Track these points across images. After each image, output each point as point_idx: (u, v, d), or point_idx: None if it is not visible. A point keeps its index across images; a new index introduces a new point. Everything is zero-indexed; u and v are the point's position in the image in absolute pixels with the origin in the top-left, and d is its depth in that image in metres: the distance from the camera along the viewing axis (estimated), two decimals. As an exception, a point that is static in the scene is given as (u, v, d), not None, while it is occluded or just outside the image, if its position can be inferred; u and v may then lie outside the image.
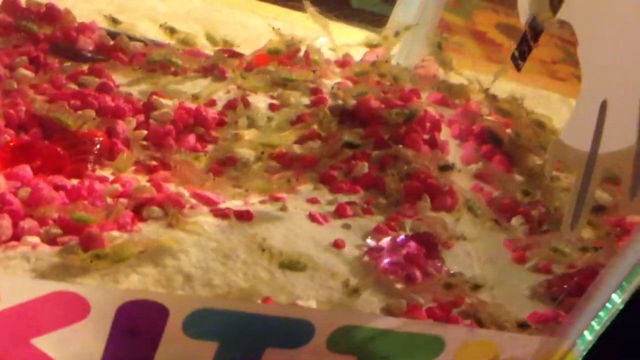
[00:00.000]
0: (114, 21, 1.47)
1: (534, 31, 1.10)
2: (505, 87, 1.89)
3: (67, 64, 1.36)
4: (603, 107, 0.94)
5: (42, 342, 0.77)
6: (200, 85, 1.39)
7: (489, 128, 1.34)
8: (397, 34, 1.49)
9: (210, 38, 1.52)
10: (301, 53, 1.50)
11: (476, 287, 1.04)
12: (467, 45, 2.13)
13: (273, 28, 1.49)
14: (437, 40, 1.47)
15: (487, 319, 0.98)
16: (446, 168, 1.22)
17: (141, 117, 1.27)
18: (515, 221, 1.22)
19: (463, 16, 2.35)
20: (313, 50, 1.49)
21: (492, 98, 1.43)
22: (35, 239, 0.93)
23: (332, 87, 1.43)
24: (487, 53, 2.19)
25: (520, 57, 1.13)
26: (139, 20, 1.66)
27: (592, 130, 0.96)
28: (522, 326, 1.00)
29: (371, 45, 1.49)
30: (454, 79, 1.53)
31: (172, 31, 1.44)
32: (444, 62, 1.44)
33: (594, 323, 0.94)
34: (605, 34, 0.97)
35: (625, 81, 0.93)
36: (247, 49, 1.53)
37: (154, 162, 1.19)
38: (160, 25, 1.43)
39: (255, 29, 1.90)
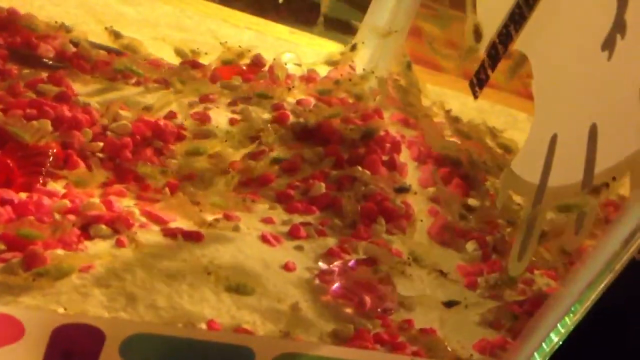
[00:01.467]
0: (116, 36, 1.45)
1: (492, 60, 1.11)
2: (472, 104, 1.90)
3: (27, 71, 1.35)
4: (553, 140, 0.95)
5: (-26, 365, 0.75)
6: (162, 98, 1.38)
7: (446, 151, 1.35)
8: (353, 48, 1.50)
9: (179, 52, 1.51)
10: (246, 61, 1.50)
11: None
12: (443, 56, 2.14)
13: (221, 43, 1.48)
14: (405, 61, 1.47)
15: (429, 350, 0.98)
16: (402, 190, 1.22)
17: (98, 129, 1.25)
18: (469, 246, 1.22)
19: (440, 26, 2.35)
20: (277, 66, 1.49)
21: (454, 120, 1.43)
22: (-24, 256, 0.91)
23: (295, 105, 1.42)
24: (462, 66, 2.20)
25: (478, 84, 1.14)
26: (105, 25, 1.65)
27: (542, 162, 0.97)
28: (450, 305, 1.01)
29: (332, 63, 1.49)
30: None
31: (116, 35, 1.43)
32: (412, 83, 1.44)
33: (544, 345, 0.94)
34: (558, 67, 0.98)
35: (577, 116, 0.93)
36: (213, 57, 1.53)
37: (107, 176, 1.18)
38: (105, 28, 1.41)
39: (226, 38, 1.89)
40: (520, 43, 1.08)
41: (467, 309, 1.04)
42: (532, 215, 0.95)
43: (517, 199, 1.29)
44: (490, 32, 1.14)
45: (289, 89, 1.41)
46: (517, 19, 1.08)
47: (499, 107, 2.06)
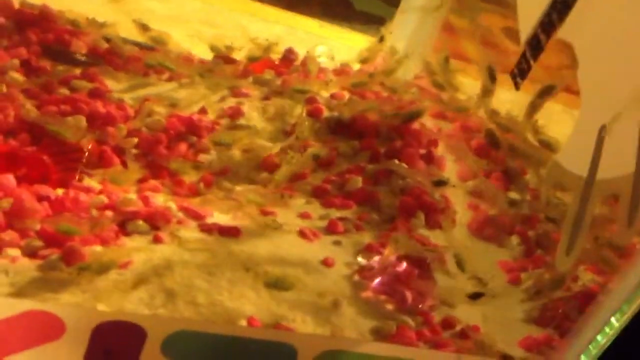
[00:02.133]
0: (144, 28, 1.44)
1: (534, 50, 1.08)
2: (507, 96, 1.87)
3: (60, 67, 1.34)
4: (602, 131, 0.92)
5: (15, 362, 0.74)
6: (195, 93, 1.37)
7: (488, 130, 1.31)
8: (381, 40, 1.47)
9: (214, 48, 1.50)
10: (275, 55, 1.48)
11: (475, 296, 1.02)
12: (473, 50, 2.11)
13: (251, 39, 1.46)
14: (443, 55, 1.44)
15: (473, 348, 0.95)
16: (441, 183, 1.19)
17: (132, 125, 1.25)
18: (512, 241, 1.19)
19: (468, 19, 2.32)
20: (310, 60, 1.46)
21: (493, 113, 1.40)
22: (15, 252, 0.90)
23: (329, 98, 1.40)
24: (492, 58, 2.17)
25: (519, 75, 1.11)
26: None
27: (590, 154, 0.94)
28: (475, 297, 0.98)
29: (363, 60, 1.47)
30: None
31: (144, 28, 1.42)
32: (449, 81, 1.41)
33: (591, 347, 0.92)
34: (607, 56, 0.95)
35: (626, 105, 0.90)
36: (243, 53, 1.51)
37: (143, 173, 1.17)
38: (133, 21, 1.40)
39: (256, 33, 1.87)
40: (564, 32, 1.04)
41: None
42: (581, 209, 0.92)
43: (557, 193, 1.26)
44: (531, 20, 1.11)
45: (327, 83, 1.38)
46: (560, 7, 1.05)
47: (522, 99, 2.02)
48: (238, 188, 1.18)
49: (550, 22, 1.06)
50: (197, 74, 1.40)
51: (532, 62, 1.09)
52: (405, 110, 1.27)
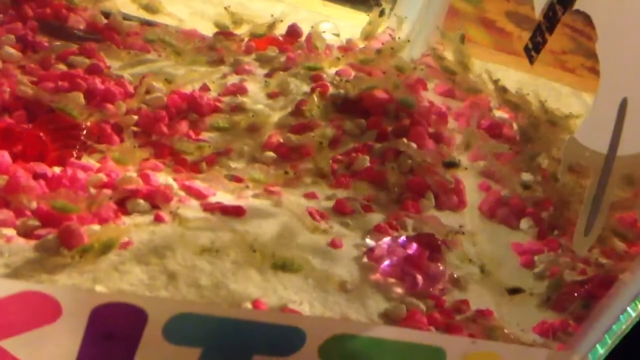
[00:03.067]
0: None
1: (550, 22, 1.03)
2: (514, 77, 1.83)
3: (57, 43, 1.30)
4: (623, 105, 0.88)
5: (11, 344, 0.71)
6: (196, 69, 1.33)
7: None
8: (381, 14, 1.43)
9: (218, 24, 1.45)
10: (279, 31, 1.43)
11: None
12: (477, 33, 2.07)
13: (225, 8, 1.41)
14: (459, 34, 1.39)
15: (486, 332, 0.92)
16: (451, 165, 1.15)
17: (132, 102, 1.20)
18: (524, 223, 1.15)
19: (472, 3, 2.28)
20: (316, 36, 1.42)
21: (502, 90, 1.36)
22: (10, 231, 0.87)
23: (335, 76, 1.36)
24: (496, 42, 2.13)
25: (534, 48, 1.06)
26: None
27: (610, 130, 0.90)
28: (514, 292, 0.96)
29: (365, 34, 1.42)
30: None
31: None
32: (462, 59, 1.36)
33: (606, 336, 0.88)
34: (628, 27, 0.90)
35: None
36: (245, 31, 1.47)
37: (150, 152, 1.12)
38: None
39: (258, 11, 1.83)
40: (581, 3, 1.00)
41: (532, 296, 0.97)
42: (600, 186, 0.88)
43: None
44: (547, -7, 1.06)
45: (338, 59, 1.34)
46: (577, -23, 1.00)
47: (542, 80, 1.98)
48: (241, 166, 1.14)
49: (567, -6, 1.02)
50: (198, 49, 1.36)
51: (547, 35, 1.05)
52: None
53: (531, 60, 1.07)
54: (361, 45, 1.49)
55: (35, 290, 0.69)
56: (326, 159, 1.16)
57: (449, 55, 1.44)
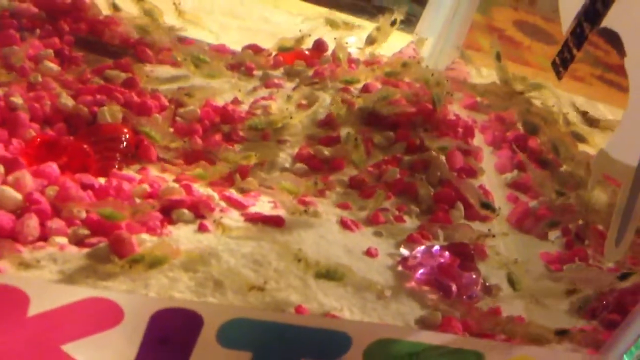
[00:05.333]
0: (115, 7, 1.43)
1: (577, 39, 1.07)
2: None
3: (92, 57, 1.34)
4: (654, 119, 0.91)
5: (72, 349, 0.74)
6: (227, 83, 1.36)
7: (523, 116, 1.30)
8: (393, 24, 1.46)
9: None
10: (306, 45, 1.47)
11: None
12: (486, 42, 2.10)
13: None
14: (494, 51, 1.41)
15: (521, 333, 0.95)
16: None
17: (167, 114, 1.24)
18: (553, 233, 1.18)
19: (481, 12, 2.32)
20: (339, 48, 1.45)
21: (527, 102, 1.39)
22: (62, 240, 0.90)
23: (362, 89, 1.39)
24: (505, 51, 2.18)
25: (562, 64, 1.10)
26: (164, 13, 1.64)
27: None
28: (561, 334, 0.97)
29: (370, 40, 1.45)
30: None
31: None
32: (503, 73, 1.39)
33: (633, 348, 0.91)
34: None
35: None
36: (270, 45, 1.51)
37: (180, 161, 1.16)
38: None
39: (279, 25, 1.87)
40: (610, 20, 1.03)
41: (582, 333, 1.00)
42: (631, 198, 0.91)
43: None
44: (573, 9, 1.10)
45: (374, 70, 1.37)
46: (605, -5, 1.04)
47: (557, 91, 2.01)
48: (274, 177, 1.17)
49: (594, 11, 1.05)
50: (228, 64, 1.39)
51: (575, 51, 1.08)
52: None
53: (559, 75, 1.10)
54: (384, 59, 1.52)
55: (100, 296, 0.72)
56: (360, 153, 1.18)
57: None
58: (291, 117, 1.27)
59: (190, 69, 1.35)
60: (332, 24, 1.52)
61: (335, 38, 1.50)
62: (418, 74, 1.39)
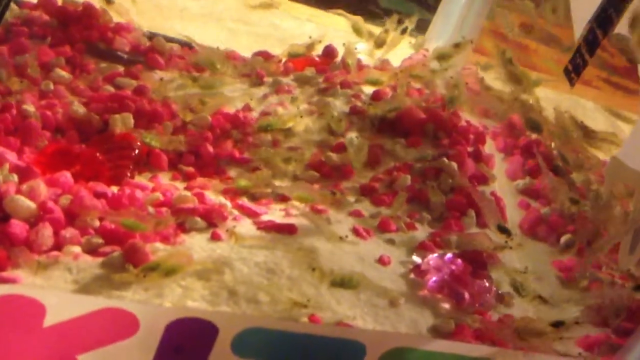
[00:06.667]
0: (108, 1, 1.43)
1: (590, 46, 1.07)
2: (540, 93, 1.85)
3: (103, 65, 1.34)
4: (668, 127, 0.91)
5: (88, 359, 0.74)
6: (238, 90, 1.37)
7: (527, 114, 1.29)
8: (403, 32, 1.46)
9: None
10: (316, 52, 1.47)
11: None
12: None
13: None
14: (507, 57, 1.40)
15: (524, 330, 0.95)
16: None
17: (178, 122, 1.24)
18: (564, 240, 1.18)
19: (488, 18, 2.30)
20: (348, 53, 1.45)
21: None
22: (77, 249, 0.90)
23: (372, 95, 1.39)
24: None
25: (574, 71, 1.09)
26: (171, 20, 1.64)
27: (654, 150, 0.93)
28: (557, 325, 0.97)
29: (379, 43, 1.45)
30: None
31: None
32: (517, 78, 1.38)
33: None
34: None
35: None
36: (279, 51, 1.51)
37: (191, 168, 1.16)
38: None
39: (288, 31, 1.87)
40: (622, 26, 1.03)
41: (580, 325, 1.00)
42: (646, 206, 0.91)
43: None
44: (586, 15, 1.10)
45: (396, 74, 1.37)
46: (617, 1, 1.04)
47: (566, 95, 2.01)
48: (286, 185, 1.18)
49: (606, 17, 1.05)
50: (239, 71, 1.40)
51: (587, 57, 1.08)
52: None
53: (571, 82, 1.10)
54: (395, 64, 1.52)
55: (116, 307, 0.72)
56: (360, 158, 1.18)
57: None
58: (301, 116, 1.27)
59: (200, 76, 1.36)
60: (357, 32, 1.52)
61: (344, 44, 1.50)
62: (427, 79, 1.39)
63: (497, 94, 1.38)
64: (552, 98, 1.87)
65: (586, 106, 2.03)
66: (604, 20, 1.06)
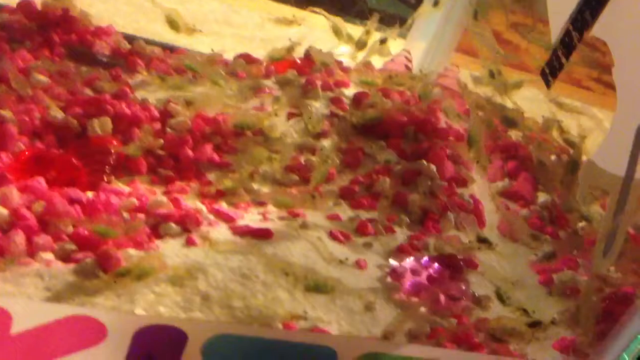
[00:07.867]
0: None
1: (566, 48, 1.07)
2: (525, 93, 1.85)
3: (83, 68, 1.34)
4: (639, 131, 0.91)
5: (55, 367, 0.74)
6: (219, 93, 1.36)
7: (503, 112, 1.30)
8: (382, 42, 1.46)
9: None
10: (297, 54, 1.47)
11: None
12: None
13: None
14: (495, 68, 1.40)
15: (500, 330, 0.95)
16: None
17: (157, 125, 1.24)
18: (545, 253, 1.18)
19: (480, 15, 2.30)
20: (324, 55, 1.45)
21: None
22: (49, 256, 0.90)
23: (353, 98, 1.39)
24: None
25: (551, 73, 1.09)
26: (156, 22, 1.64)
27: (627, 153, 0.93)
28: (534, 325, 0.97)
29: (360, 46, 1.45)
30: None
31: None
32: (500, 89, 1.38)
33: (625, 355, 0.91)
34: (643, 54, 0.94)
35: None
36: (264, 52, 1.51)
37: (169, 173, 1.16)
38: None
39: (273, 32, 1.87)
40: (598, 30, 1.03)
41: (556, 325, 1.00)
42: (618, 209, 0.91)
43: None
44: (562, 18, 1.09)
45: (390, 77, 1.37)
46: (593, 3, 1.03)
47: (554, 96, 2.00)
48: (265, 190, 1.17)
49: (582, 20, 1.05)
50: (220, 74, 1.39)
51: (564, 60, 1.08)
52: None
53: (548, 84, 1.10)
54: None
55: (83, 314, 0.72)
56: (322, 171, 1.18)
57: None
58: (276, 115, 1.27)
59: (181, 79, 1.35)
60: (337, 33, 1.51)
61: (309, 47, 1.49)
62: (409, 84, 1.39)
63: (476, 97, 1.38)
64: (528, 97, 1.87)
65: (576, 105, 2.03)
66: (579, 22, 1.06)
